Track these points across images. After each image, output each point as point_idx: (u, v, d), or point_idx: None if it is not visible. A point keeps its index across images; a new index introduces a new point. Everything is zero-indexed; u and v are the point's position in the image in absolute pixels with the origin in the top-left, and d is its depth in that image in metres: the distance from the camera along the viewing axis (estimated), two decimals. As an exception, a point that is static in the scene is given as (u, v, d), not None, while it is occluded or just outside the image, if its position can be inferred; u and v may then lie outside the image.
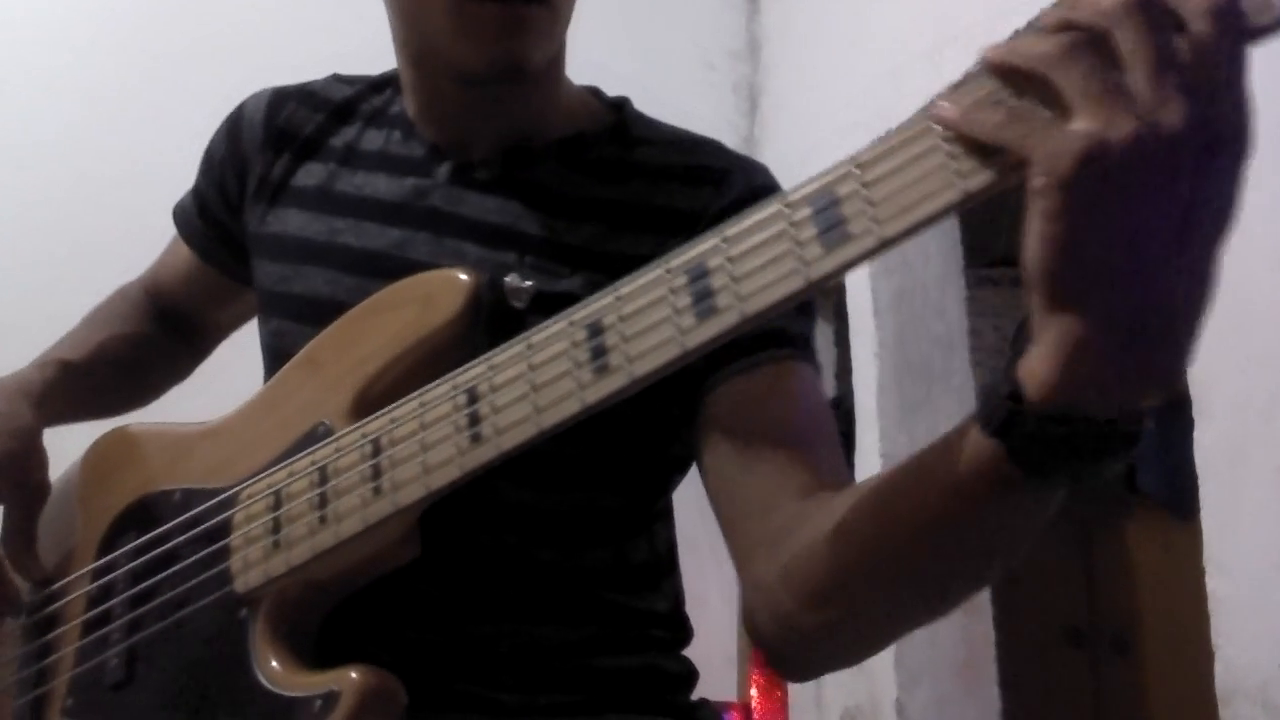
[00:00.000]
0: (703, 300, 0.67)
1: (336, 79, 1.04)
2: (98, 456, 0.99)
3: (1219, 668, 1.44)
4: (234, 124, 1.04)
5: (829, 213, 0.64)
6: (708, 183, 0.92)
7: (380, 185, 0.95)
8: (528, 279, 0.81)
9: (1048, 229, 0.52)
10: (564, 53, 0.95)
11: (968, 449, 0.60)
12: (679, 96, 2.89)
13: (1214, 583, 1.47)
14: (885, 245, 0.62)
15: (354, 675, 0.74)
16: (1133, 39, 0.51)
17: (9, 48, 2.66)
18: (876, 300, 2.36)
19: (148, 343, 1.12)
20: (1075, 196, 0.51)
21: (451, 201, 0.93)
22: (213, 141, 1.06)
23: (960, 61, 2.06)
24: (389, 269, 0.89)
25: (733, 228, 0.67)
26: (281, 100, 1.02)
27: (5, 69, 2.64)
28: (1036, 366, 0.55)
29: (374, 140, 0.99)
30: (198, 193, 1.08)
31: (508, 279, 0.80)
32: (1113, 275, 0.52)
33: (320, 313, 0.90)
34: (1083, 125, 0.51)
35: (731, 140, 3.06)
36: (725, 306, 0.66)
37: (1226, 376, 1.47)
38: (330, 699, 0.74)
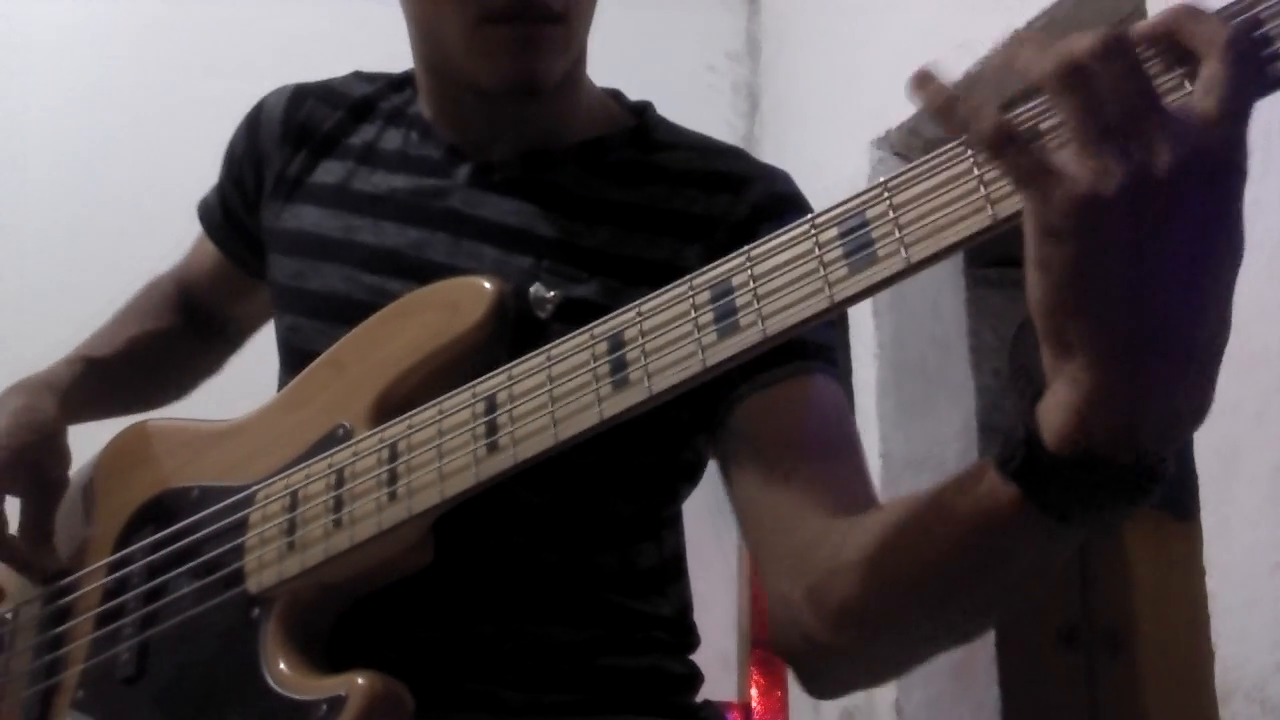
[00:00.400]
0: (726, 318, 0.67)
1: (358, 76, 1.05)
2: (118, 450, 1.00)
3: (1216, 666, 1.44)
4: (253, 120, 1.05)
5: (857, 234, 0.64)
6: (725, 189, 0.92)
7: (399, 184, 0.96)
8: (549, 286, 0.82)
9: (1045, 277, 0.51)
10: (584, 57, 0.96)
11: (987, 488, 0.60)
12: (679, 97, 2.86)
13: (1210, 582, 1.48)
14: (912, 269, 0.62)
15: (361, 681, 0.75)
16: (1117, 84, 0.49)
17: (21, 55, 2.66)
18: (876, 301, 2.36)
19: (175, 340, 1.13)
20: (1067, 247, 0.50)
21: (470, 203, 0.93)
22: (234, 137, 1.07)
23: (957, 61, 2.07)
24: (406, 268, 0.90)
25: (760, 246, 0.67)
26: (301, 97, 1.03)
27: (16, 76, 2.65)
28: (1052, 416, 0.54)
29: (393, 140, 0.99)
30: (220, 188, 1.09)
31: (533, 288, 0.81)
32: (1118, 321, 0.51)
33: (336, 310, 0.91)
34: (1071, 176, 0.49)
35: (731, 141, 3.06)
36: (748, 324, 0.66)
37: (1220, 376, 1.48)
38: (336, 703, 0.74)
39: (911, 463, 2.31)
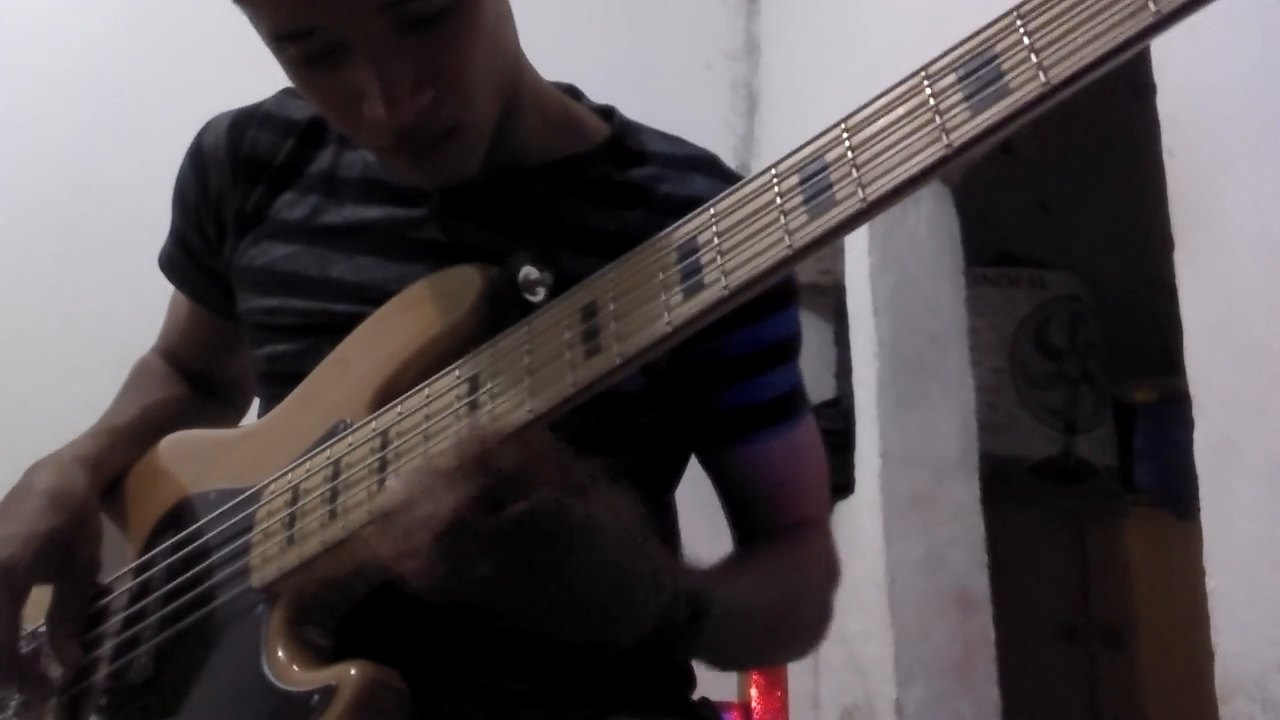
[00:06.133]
0: (691, 277, 0.68)
1: (289, 94, 1.01)
2: (145, 465, 1.00)
3: (1217, 665, 1.44)
4: (197, 161, 1.01)
5: (817, 179, 0.64)
6: None
7: (369, 215, 0.93)
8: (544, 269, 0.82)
9: None
10: (521, 77, 0.92)
11: None
12: (677, 97, 2.90)
13: (1211, 580, 1.47)
14: (871, 207, 0.62)
15: (353, 671, 0.75)
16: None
17: (10, 49, 2.66)
18: (875, 299, 2.36)
19: (188, 402, 1.09)
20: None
21: (447, 232, 0.91)
22: (181, 183, 1.03)
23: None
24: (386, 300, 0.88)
25: (724, 201, 0.68)
26: (241, 126, 0.99)
27: (6, 70, 2.64)
28: None
29: (352, 165, 0.96)
30: (181, 240, 1.05)
31: (523, 270, 0.81)
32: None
33: (317, 330, 0.90)
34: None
35: (729, 140, 3.08)
36: (711, 282, 0.66)
37: (1218, 371, 1.48)
38: (328, 693, 0.74)
39: (910, 459, 2.31)
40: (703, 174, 0.96)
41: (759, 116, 3.09)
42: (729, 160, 1.02)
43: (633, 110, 1.01)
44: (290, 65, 0.81)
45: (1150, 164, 1.62)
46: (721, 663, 0.89)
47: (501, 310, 0.81)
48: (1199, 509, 1.50)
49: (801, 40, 2.90)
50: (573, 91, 1.00)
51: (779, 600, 0.90)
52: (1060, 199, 3.28)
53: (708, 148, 1.00)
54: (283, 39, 0.78)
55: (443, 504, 0.66)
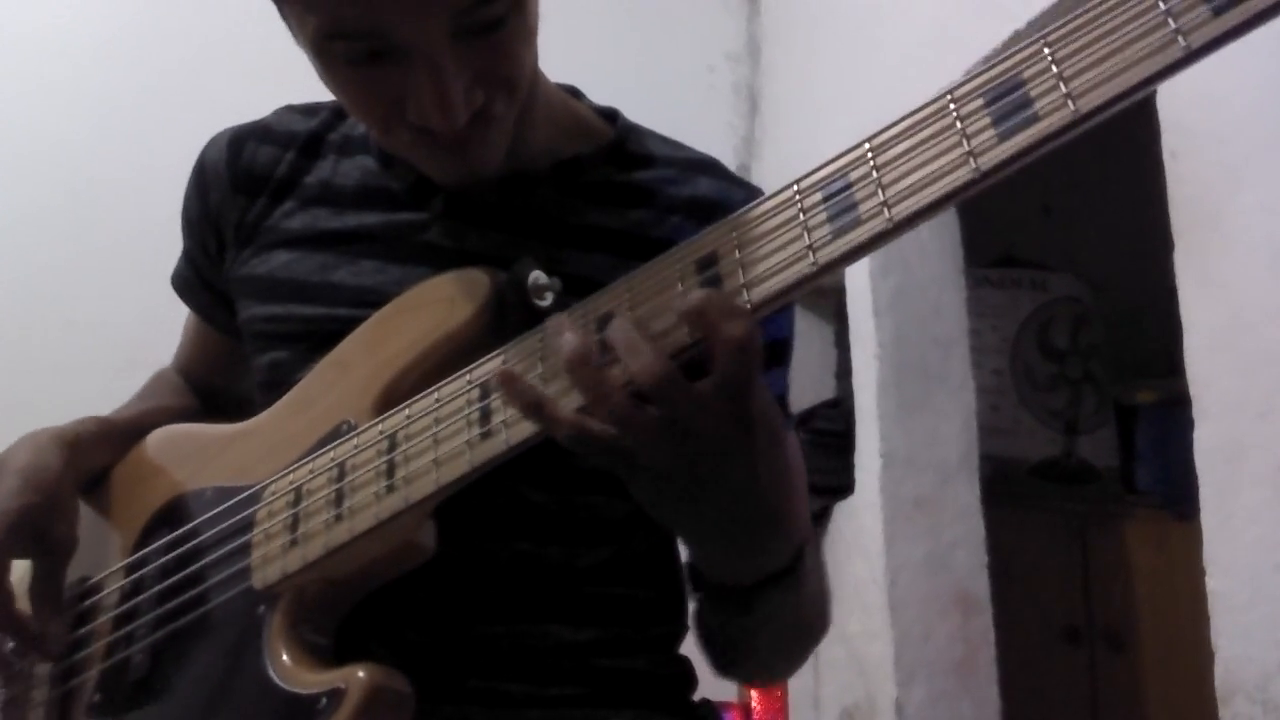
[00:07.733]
0: (710, 288, 0.67)
1: (290, 110, 1.01)
2: (135, 458, 0.99)
3: (1218, 667, 1.44)
4: (199, 179, 1.01)
5: (840, 198, 0.64)
6: (709, 222, 0.91)
7: (370, 220, 0.93)
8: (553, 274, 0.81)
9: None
10: (537, 80, 0.91)
11: None
12: (679, 98, 2.90)
13: (1212, 581, 1.48)
14: (897, 228, 0.62)
15: (361, 674, 0.74)
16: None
17: (14, 56, 2.66)
18: (876, 301, 2.37)
19: (192, 414, 1.08)
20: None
21: (451, 236, 0.91)
22: (186, 201, 1.03)
23: (959, 62, 2.07)
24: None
25: (746, 214, 0.68)
26: (240, 141, 0.99)
27: (10, 76, 2.65)
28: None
29: (349, 173, 0.96)
30: (188, 256, 1.05)
31: (532, 275, 0.80)
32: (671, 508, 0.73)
33: (320, 340, 0.89)
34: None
35: (731, 142, 3.08)
36: (732, 295, 0.66)
37: (1223, 376, 1.48)
38: (335, 696, 0.74)
39: (912, 461, 2.32)
40: (707, 175, 0.96)
41: (759, 118, 3.09)
42: (729, 162, 1.02)
43: (637, 113, 1.01)
44: (331, 62, 0.79)
45: (1152, 166, 1.62)
46: (763, 643, 0.86)
47: (506, 315, 0.80)
48: (1197, 512, 1.50)
49: (802, 42, 2.90)
50: (574, 92, 1.01)
51: (815, 587, 0.87)
52: (1062, 201, 3.28)
53: (709, 149, 1.00)
54: (334, 36, 0.76)
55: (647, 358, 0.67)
